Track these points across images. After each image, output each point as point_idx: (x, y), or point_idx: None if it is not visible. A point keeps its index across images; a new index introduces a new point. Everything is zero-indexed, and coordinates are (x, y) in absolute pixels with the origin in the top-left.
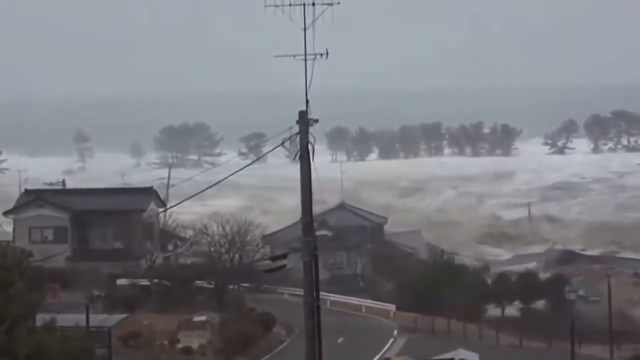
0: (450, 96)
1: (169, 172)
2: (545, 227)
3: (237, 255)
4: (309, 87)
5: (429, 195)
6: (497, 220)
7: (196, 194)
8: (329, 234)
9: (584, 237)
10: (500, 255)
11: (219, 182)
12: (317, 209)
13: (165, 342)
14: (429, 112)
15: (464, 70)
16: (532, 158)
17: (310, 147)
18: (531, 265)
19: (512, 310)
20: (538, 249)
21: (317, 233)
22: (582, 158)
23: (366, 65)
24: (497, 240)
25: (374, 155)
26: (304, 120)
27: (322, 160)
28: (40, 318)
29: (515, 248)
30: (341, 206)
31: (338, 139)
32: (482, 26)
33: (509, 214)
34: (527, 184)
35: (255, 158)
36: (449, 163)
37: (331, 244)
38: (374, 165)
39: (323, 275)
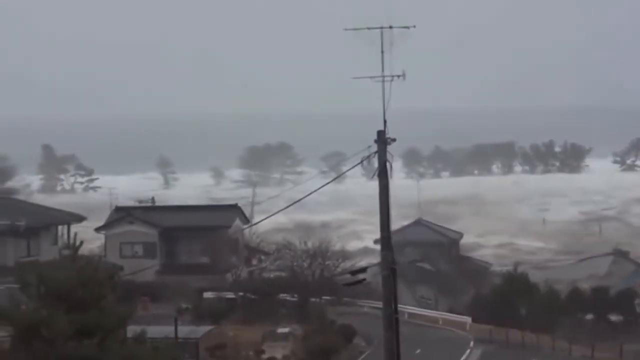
0: (520, 115)
1: (254, 190)
2: None
3: (318, 270)
4: (387, 108)
5: None
6: None
7: (279, 211)
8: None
9: None
10: None
11: (301, 199)
12: (395, 224)
13: (251, 353)
14: (501, 131)
15: (535, 89)
16: None
17: (388, 165)
18: None
19: (586, 322)
20: None
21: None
22: None
23: (441, 85)
24: None
25: (446, 173)
26: (382, 139)
27: (397, 178)
28: (131, 330)
29: None
30: (418, 222)
31: (412, 156)
32: (553, 49)
33: None
34: None
35: (335, 176)
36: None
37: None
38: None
39: None
